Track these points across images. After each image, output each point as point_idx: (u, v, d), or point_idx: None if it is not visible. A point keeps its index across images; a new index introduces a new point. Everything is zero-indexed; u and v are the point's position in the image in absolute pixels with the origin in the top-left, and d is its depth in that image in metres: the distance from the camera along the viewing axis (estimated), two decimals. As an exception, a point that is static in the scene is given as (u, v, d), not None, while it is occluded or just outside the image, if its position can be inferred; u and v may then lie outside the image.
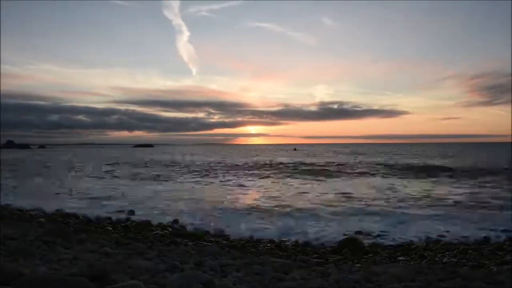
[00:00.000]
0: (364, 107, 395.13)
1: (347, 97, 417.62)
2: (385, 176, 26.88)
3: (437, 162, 40.54)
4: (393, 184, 20.89)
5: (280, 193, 17.66)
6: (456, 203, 14.46)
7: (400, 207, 13.63)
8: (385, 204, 14.30)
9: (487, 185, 20.03)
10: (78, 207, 13.49)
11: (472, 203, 14.30)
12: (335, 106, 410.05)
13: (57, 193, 17.73)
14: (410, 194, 16.81)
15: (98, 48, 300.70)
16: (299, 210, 13.16)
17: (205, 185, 22.15)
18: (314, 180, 24.02)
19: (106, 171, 32.73)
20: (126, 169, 36.04)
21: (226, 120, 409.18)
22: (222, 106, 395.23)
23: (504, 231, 9.68)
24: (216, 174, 29.45)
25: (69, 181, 23.88)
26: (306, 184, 21.83)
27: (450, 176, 24.96)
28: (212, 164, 41.52)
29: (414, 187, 19.69)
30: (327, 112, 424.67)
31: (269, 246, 8.74)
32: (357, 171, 31.26)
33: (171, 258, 6.29)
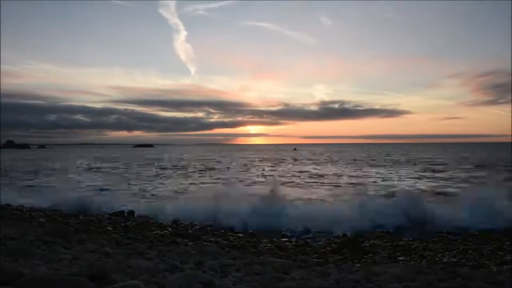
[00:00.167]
0: (365, 107, 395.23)
1: (348, 97, 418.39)
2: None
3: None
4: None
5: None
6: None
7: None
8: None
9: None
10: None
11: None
12: (336, 106, 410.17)
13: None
14: None
15: (95, 48, 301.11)
16: None
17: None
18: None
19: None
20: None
21: (226, 119, 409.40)
22: (221, 106, 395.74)
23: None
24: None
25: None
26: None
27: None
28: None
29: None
30: (327, 111, 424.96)
31: (269, 246, 8.74)
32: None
33: (171, 258, 6.29)
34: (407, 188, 18.97)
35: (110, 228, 9.94)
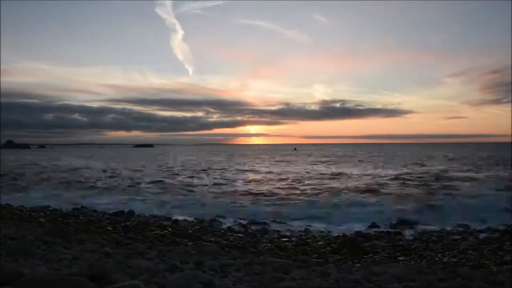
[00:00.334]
0: (367, 106, 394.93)
1: (349, 96, 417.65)
2: None
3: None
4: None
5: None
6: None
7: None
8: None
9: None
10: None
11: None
12: (338, 105, 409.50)
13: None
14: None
15: (91, 47, 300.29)
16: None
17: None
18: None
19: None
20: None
21: (225, 119, 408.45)
22: (220, 105, 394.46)
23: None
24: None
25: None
26: None
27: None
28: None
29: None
30: (329, 111, 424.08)
31: (269, 246, 8.75)
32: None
33: (171, 258, 6.29)
34: None
35: (110, 228, 9.94)
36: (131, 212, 12.77)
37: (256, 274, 5.33)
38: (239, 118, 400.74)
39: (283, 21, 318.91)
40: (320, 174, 28.75)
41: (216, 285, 4.16)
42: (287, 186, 21.07)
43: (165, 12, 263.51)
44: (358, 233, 10.02)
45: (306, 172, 30.07)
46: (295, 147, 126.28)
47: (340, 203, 14.79)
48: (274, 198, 16.40)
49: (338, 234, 10.02)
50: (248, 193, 18.18)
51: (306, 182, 22.92)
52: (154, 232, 9.62)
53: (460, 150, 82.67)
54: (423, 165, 36.27)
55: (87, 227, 9.62)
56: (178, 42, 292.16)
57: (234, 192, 18.65)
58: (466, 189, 18.60)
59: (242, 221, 11.69)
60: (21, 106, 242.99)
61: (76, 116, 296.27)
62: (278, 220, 11.83)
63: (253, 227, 10.98)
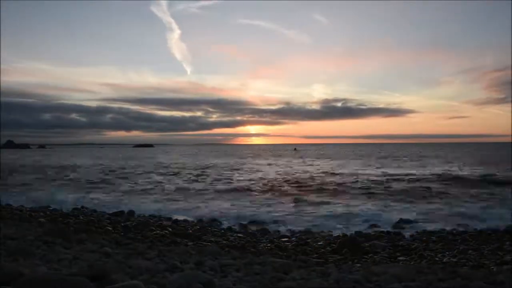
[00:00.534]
0: (368, 106, 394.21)
1: (350, 95, 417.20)
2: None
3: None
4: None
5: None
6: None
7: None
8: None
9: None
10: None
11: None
12: (339, 104, 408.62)
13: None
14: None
15: (88, 46, 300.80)
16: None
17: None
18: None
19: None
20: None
21: (225, 119, 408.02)
22: (220, 104, 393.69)
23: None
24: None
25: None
26: None
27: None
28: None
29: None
30: (330, 110, 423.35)
31: (269, 246, 8.74)
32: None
33: (171, 258, 6.29)
34: None
35: (110, 228, 9.94)
36: (131, 212, 12.77)
37: (256, 274, 5.33)
38: (239, 118, 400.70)
39: (283, 21, 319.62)
40: (323, 172, 28.80)
41: (216, 285, 4.16)
42: (287, 186, 21.09)
43: (161, 11, 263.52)
44: (358, 233, 10.02)
45: (307, 172, 30.15)
46: (295, 147, 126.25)
47: (340, 203, 14.80)
48: (274, 198, 16.42)
49: (338, 234, 10.03)
50: (248, 193, 18.19)
51: (308, 182, 22.94)
52: (154, 232, 9.63)
53: (461, 150, 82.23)
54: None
55: (87, 227, 9.62)
56: (175, 41, 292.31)
57: (234, 191, 18.68)
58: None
59: (242, 221, 11.69)
60: (21, 106, 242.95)
61: (74, 115, 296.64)
62: (278, 220, 11.83)
63: (253, 227, 10.97)
